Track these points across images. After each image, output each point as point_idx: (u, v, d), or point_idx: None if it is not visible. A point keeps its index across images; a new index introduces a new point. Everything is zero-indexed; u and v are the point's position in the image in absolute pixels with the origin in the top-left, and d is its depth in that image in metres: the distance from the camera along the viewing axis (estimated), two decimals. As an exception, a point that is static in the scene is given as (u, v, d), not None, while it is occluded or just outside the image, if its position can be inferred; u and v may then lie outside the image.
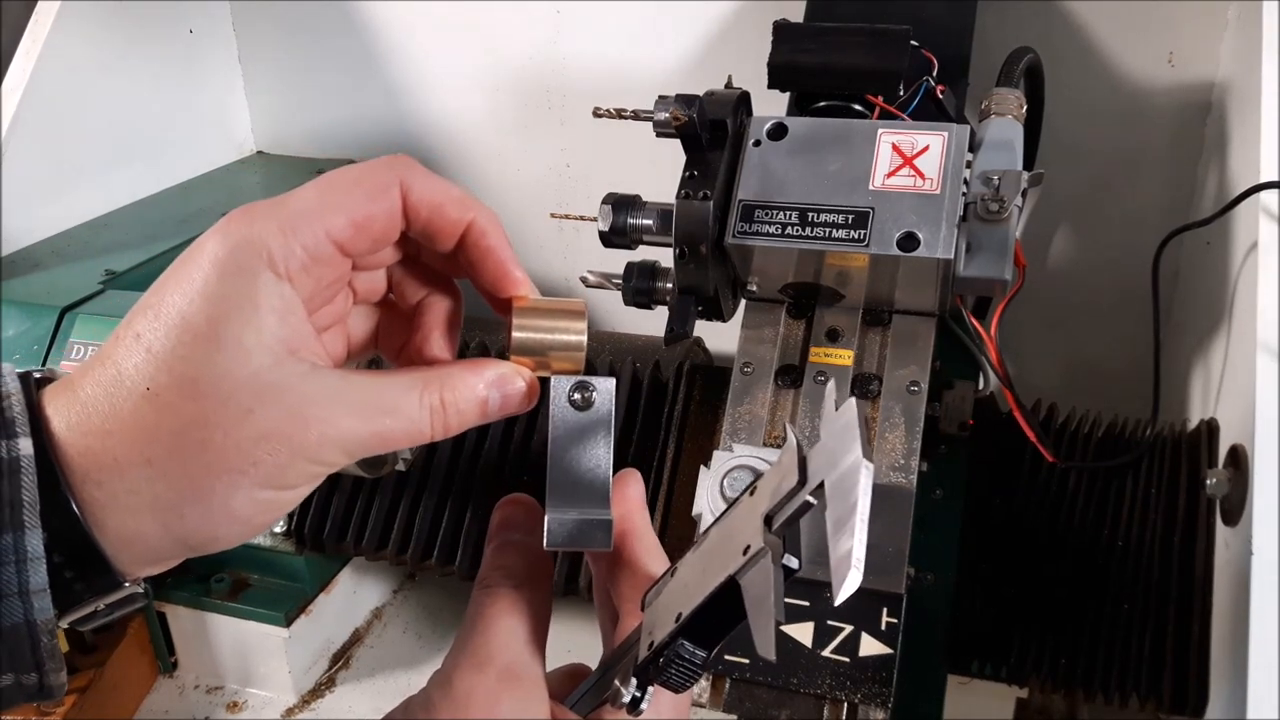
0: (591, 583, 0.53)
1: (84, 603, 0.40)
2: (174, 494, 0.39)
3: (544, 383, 0.49)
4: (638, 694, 0.44)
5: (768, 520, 0.40)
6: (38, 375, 0.41)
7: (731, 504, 0.44)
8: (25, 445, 0.38)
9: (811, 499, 0.39)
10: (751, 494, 0.42)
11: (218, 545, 0.41)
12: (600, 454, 0.48)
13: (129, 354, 0.39)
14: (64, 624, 0.41)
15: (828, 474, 0.38)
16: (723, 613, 0.41)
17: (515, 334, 0.47)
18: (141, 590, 0.42)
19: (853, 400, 0.40)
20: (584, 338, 0.47)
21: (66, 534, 0.39)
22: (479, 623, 0.45)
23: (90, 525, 0.39)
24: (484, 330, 1.26)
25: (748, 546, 0.40)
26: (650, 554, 0.49)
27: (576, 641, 0.53)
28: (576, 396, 0.48)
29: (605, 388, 0.48)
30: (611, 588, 0.50)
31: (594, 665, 0.50)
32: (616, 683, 0.44)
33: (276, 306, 0.40)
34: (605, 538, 0.47)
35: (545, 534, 0.46)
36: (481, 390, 0.45)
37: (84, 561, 0.39)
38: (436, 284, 0.49)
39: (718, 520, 0.44)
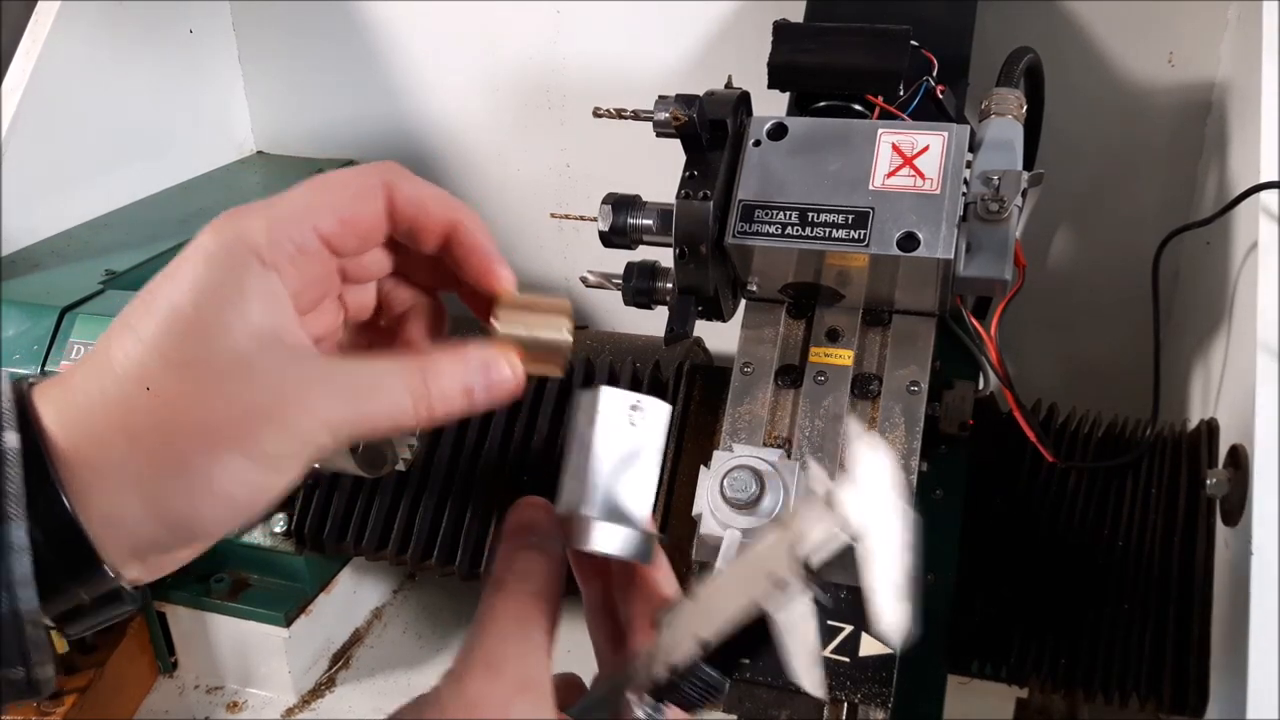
0: None
1: (68, 593, 0.40)
2: (156, 468, 0.39)
3: (541, 384, 0.49)
4: (652, 712, 0.45)
5: (800, 556, 0.41)
6: (31, 380, 0.41)
7: (755, 533, 0.45)
8: (11, 439, 0.38)
9: (849, 539, 0.40)
10: (780, 525, 0.43)
11: (202, 525, 0.41)
12: (649, 472, 0.48)
13: (119, 343, 0.40)
14: (49, 619, 0.40)
15: (865, 515, 0.40)
16: (748, 640, 0.43)
17: (498, 326, 0.47)
18: (130, 589, 0.41)
19: (884, 443, 0.41)
20: (568, 337, 0.47)
21: (52, 524, 0.39)
22: (493, 625, 0.44)
23: (75, 509, 0.39)
24: (481, 333, 1.26)
25: (780, 579, 0.41)
26: (664, 574, 0.50)
27: (574, 640, 0.53)
28: (630, 412, 0.48)
29: (661, 410, 0.48)
30: (623, 605, 0.50)
31: (585, 671, 0.50)
32: (630, 697, 0.45)
33: (262, 293, 0.41)
34: (649, 552, 0.48)
35: (590, 537, 0.46)
36: (467, 377, 0.45)
37: (68, 550, 0.39)
38: (424, 300, 0.51)
39: (739, 548, 0.45)
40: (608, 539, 0.46)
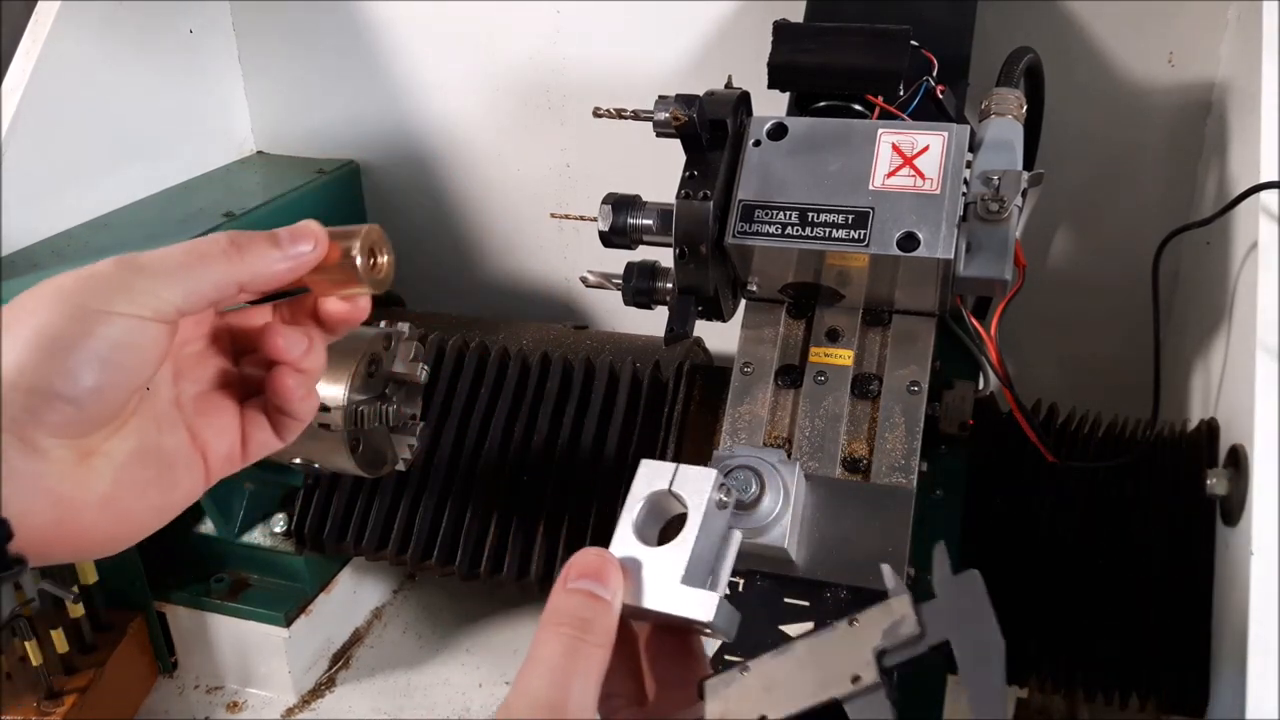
0: None
1: None
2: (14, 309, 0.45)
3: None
4: None
5: (880, 657, 0.45)
6: None
7: (822, 626, 0.48)
8: None
9: (930, 652, 0.44)
10: (851, 625, 0.46)
11: (70, 371, 0.45)
12: (730, 554, 0.53)
13: None
14: None
15: (951, 635, 0.44)
16: None
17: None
18: None
19: (977, 573, 0.45)
20: (356, 255, 0.52)
21: None
22: (556, 672, 0.46)
23: None
24: (484, 330, 1.26)
25: (857, 676, 0.45)
26: (700, 644, 0.54)
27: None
28: (719, 496, 0.52)
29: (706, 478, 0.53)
30: (654, 666, 0.54)
31: None
32: None
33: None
34: (735, 627, 0.50)
35: (696, 607, 0.49)
36: (271, 234, 0.51)
37: None
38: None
39: (803, 636, 0.48)
40: (712, 610, 0.49)
